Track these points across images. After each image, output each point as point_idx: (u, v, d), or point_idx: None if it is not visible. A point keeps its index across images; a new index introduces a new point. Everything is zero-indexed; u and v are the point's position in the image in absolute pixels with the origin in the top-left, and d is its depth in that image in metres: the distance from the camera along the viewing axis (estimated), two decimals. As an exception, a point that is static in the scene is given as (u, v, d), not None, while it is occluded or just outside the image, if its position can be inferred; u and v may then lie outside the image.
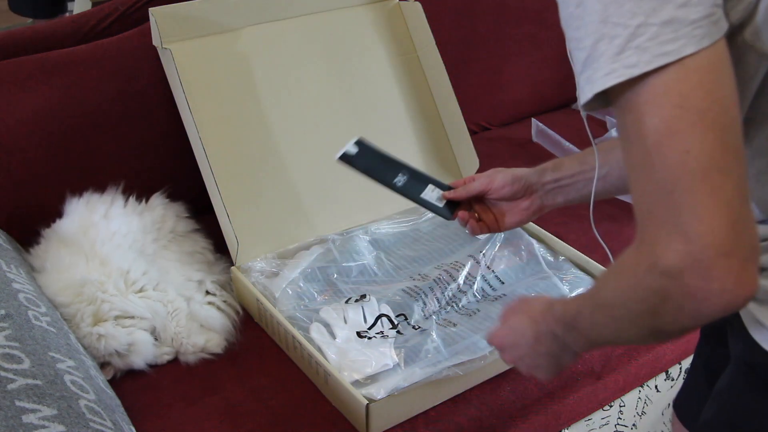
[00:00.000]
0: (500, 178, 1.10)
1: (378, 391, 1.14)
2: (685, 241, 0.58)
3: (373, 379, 1.19)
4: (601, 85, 0.60)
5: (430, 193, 1.16)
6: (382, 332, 1.28)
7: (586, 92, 0.62)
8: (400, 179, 1.17)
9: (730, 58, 0.60)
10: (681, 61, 0.57)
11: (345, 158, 1.17)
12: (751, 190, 0.69)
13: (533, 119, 2.00)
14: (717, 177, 0.57)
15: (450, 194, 1.15)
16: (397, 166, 1.18)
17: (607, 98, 0.62)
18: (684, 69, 0.58)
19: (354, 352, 1.22)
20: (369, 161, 1.18)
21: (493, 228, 1.15)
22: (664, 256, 0.59)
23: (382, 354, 1.22)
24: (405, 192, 1.16)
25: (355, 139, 1.19)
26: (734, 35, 0.65)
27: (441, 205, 1.15)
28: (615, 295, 0.69)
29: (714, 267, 0.57)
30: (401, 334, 1.28)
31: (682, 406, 1.10)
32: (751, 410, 0.81)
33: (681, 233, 0.58)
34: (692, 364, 1.09)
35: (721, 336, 0.91)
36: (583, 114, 0.76)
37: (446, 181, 1.18)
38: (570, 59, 0.66)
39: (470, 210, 1.15)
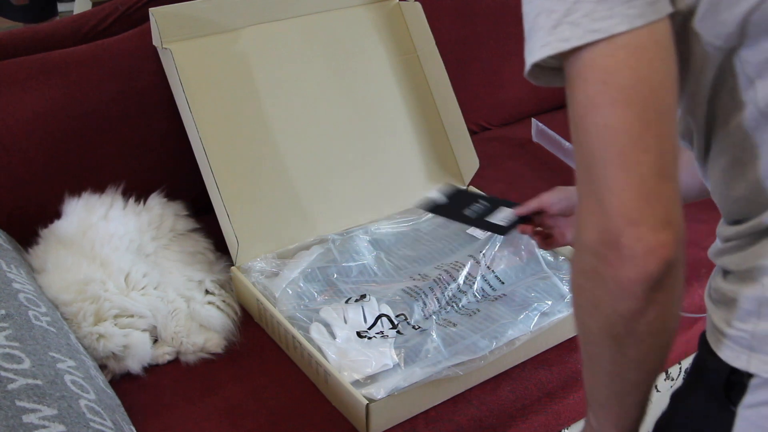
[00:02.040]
0: (552, 195, 1.12)
1: (378, 391, 1.14)
2: (600, 213, 0.60)
3: (373, 379, 1.19)
4: (537, 56, 0.62)
5: (499, 215, 1.22)
6: (382, 332, 1.28)
7: (527, 63, 0.64)
8: (475, 209, 1.25)
9: (673, 44, 0.61)
10: (611, 39, 0.58)
11: (428, 206, 1.29)
12: (717, 188, 0.72)
13: (533, 119, 2.00)
14: (632, 153, 0.59)
15: (517, 210, 1.18)
16: (474, 199, 1.27)
17: (561, 74, 0.64)
18: (612, 46, 0.59)
19: (354, 352, 1.22)
20: (450, 204, 1.28)
21: (560, 242, 1.15)
22: (585, 231, 0.62)
23: (382, 354, 1.22)
24: (477, 221, 1.24)
25: (445, 189, 1.30)
26: (686, 24, 0.65)
27: (506, 224, 1.21)
28: (572, 301, 0.69)
29: (623, 235, 0.59)
30: (401, 334, 1.28)
31: None
32: (694, 408, 0.80)
33: (598, 206, 0.60)
34: None
35: None
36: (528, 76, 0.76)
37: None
38: None
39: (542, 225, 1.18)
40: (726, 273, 0.74)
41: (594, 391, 0.76)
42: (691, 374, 0.82)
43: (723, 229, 0.75)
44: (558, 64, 0.63)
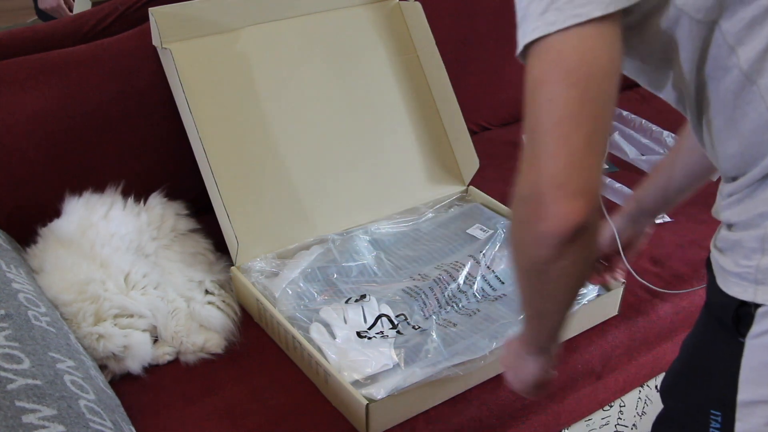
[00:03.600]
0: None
1: (378, 391, 1.14)
2: (535, 172, 0.71)
3: (373, 379, 1.19)
4: (529, 38, 0.71)
5: None
6: (382, 332, 1.28)
7: (519, 45, 0.72)
8: None
9: (620, 38, 0.70)
10: (560, 34, 0.68)
11: None
12: (717, 145, 0.81)
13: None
14: (568, 126, 0.68)
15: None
16: None
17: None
18: (566, 35, 0.68)
19: (354, 352, 1.22)
20: None
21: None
22: (522, 185, 0.73)
23: (382, 354, 1.22)
24: None
25: None
26: (668, 3, 0.74)
27: None
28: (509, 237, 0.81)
29: (548, 194, 0.69)
30: (401, 334, 1.28)
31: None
32: (705, 346, 0.89)
33: (534, 166, 0.71)
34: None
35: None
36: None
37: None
38: None
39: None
40: (730, 226, 0.82)
41: (523, 309, 0.89)
42: (700, 319, 0.92)
43: (723, 186, 0.83)
44: None
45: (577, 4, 0.68)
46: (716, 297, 0.84)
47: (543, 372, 0.97)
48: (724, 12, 0.73)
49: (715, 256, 0.85)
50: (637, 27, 0.77)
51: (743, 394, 0.80)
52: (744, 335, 0.80)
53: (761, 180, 0.77)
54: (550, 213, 0.70)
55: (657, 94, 0.88)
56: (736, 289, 0.80)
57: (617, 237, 1.19)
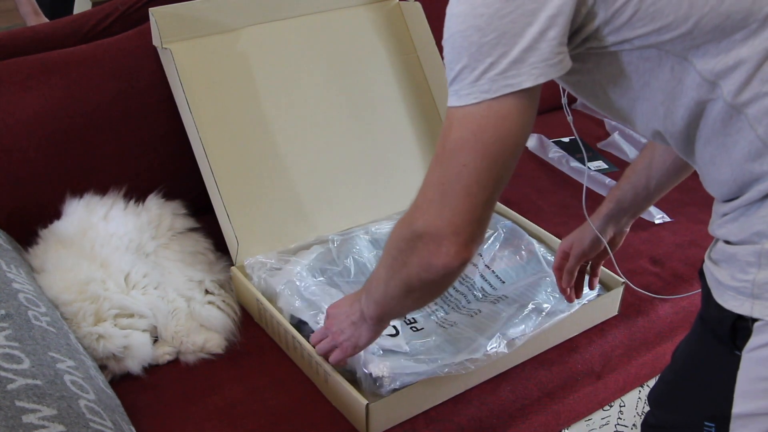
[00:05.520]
0: (567, 241, 1.28)
1: (380, 367, 1.16)
2: (436, 216, 0.83)
3: (381, 357, 1.19)
4: (463, 102, 0.79)
5: None
6: (382, 332, 1.28)
7: (452, 101, 0.81)
8: None
9: (535, 107, 0.78)
10: (488, 103, 0.77)
11: None
12: (706, 173, 0.85)
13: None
14: (475, 188, 0.81)
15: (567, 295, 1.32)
16: None
17: None
18: (488, 109, 0.77)
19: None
20: None
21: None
22: (420, 220, 0.85)
23: (394, 339, 1.22)
24: None
25: None
26: (615, 47, 0.78)
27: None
28: (388, 243, 0.94)
29: (446, 237, 0.83)
30: (399, 333, 1.28)
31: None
32: (699, 357, 0.90)
33: (437, 211, 0.83)
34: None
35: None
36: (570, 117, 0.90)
37: None
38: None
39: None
40: (727, 242, 0.84)
41: (380, 290, 0.99)
42: (694, 329, 0.93)
43: (719, 206, 0.85)
44: None
45: (509, 75, 0.75)
46: (711, 310, 0.85)
47: (373, 340, 1.10)
48: (697, 50, 0.76)
49: (710, 269, 0.86)
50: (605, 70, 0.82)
51: (738, 406, 0.81)
52: (740, 348, 0.81)
53: (758, 201, 0.79)
54: (444, 252, 0.84)
55: (628, 127, 0.92)
56: (732, 303, 0.81)
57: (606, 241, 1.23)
